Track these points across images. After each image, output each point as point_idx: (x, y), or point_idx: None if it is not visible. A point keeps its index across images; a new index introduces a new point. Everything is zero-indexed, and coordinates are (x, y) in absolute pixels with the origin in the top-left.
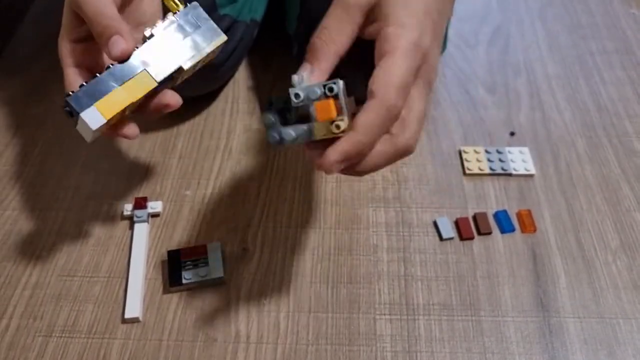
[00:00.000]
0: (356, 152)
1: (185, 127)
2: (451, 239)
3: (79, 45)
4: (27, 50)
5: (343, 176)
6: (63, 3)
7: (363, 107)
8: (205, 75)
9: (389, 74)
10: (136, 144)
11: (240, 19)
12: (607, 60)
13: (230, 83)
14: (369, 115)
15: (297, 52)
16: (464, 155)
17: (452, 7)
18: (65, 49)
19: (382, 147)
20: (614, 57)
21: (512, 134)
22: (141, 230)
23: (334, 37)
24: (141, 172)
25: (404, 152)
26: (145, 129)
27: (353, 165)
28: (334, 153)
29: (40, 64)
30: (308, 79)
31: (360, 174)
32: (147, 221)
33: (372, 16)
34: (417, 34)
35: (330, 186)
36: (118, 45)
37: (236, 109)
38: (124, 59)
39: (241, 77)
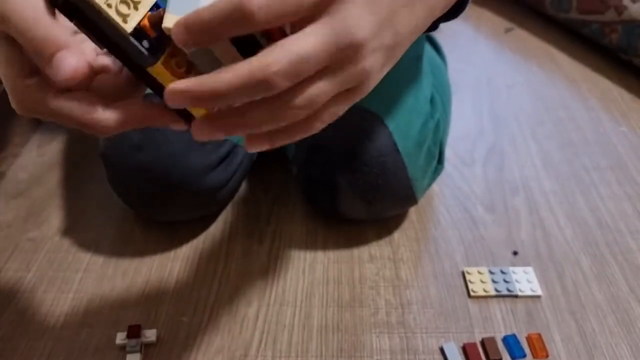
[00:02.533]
0: (203, 97)
1: (183, 251)
2: None
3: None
4: (28, 174)
5: (344, 302)
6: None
7: (243, 59)
8: (204, 199)
9: (293, 44)
10: (132, 268)
11: (241, 144)
12: (602, 177)
13: (230, 205)
14: (237, 73)
15: (296, 174)
16: (468, 277)
17: (412, 24)
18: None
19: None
20: (609, 174)
21: (515, 253)
22: None
23: None
24: (136, 297)
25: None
26: (141, 252)
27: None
28: (180, 83)
29: (40, 188)
30: None
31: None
32: (140, 351)
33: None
34: (354, 20)
35: (332, 311)
36: (65, 62)
37: (235, 231)
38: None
39: (240, 199)
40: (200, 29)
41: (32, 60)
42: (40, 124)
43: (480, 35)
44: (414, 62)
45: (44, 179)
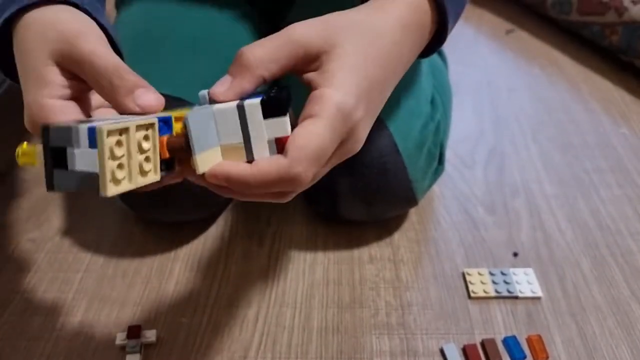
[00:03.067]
0: (238, 189)
1: (183, 252)
2: None
3: (69, 103)
4: (30, 175)
5: (344, 304)
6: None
7: (271, 156)
8: (204, 200)
9: (308, 140)
10: (132, 269)
11: None
12: (603, 179)
13: (230, 206)
14: (270, 170)
15: None
16: (468, 278)
17: (396, 83)
18: (49, 106)
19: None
20: (609, 176)
21: (515, 254)
22: None
23: (266, 62)
24: (136, 298)
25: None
26: (141, 253)
27: (229, 190)
28: (221, 169)
29: (41, 189)
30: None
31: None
32: (140, 352)
33: (314, 64)
34: (351, 105)
35: (332, 312)
36: (146, 96)
37: (235, 233)
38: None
39: (240, 201)
40: (241, 187)
41: (71, 87)
42: None
43: (481, 36)
44: (415, 64)
45: (44, 180)
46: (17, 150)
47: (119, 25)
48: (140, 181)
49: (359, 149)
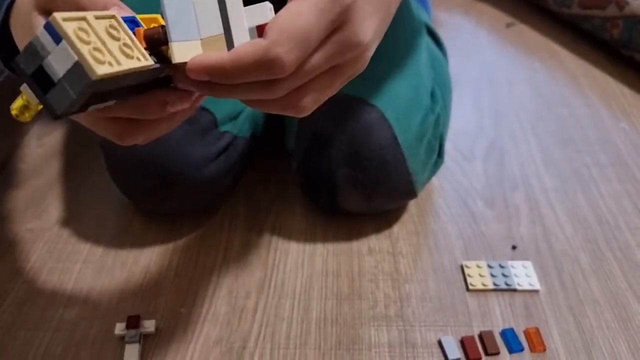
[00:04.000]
0: (217, 78)
1: (182, 242)
2: None
3: None
4: (28, 165)
5: (343, 295)
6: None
7: (251, 40)
8: (203, 191)
9: (290, 21)
10: (131, 259)
11: (241, 136)
12: (603, 174)
13: (229, 198)
14: (247, 53)
15: (296, 169)
16: (466, 271)
17: None
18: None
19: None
20: (609, 170)
21: (513, 247)
22: (132, 353)
23: None
24: (135, 288)
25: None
26: (140, 244)
27: (212, 85)
28: (199, 59)
29: (39, 179)
30: None
31: (219, 95)
32: (139, 341)
33: None
34: None
35: (330, 304)
36: (120, 11)
37: (235, 224)
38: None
39: (240, 192)
40: (221, 76)
41: None
42: (40, 114)
43: (482, 29)
44: (415, 56)
45: (43, 170)
46: (12, 112)
47: None
48: (131, 64)
49: (365, 51)
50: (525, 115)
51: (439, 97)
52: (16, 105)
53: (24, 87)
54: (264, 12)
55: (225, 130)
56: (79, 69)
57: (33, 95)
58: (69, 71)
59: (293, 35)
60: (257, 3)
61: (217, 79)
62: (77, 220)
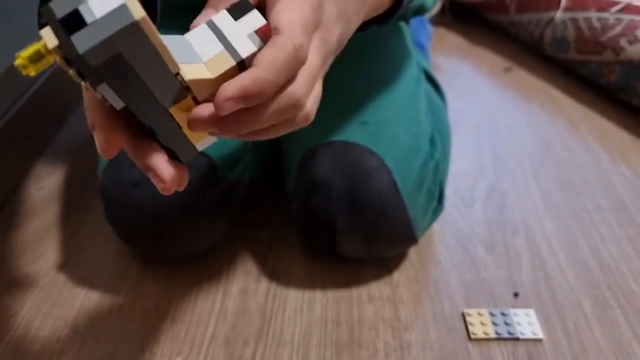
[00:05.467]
0: (257, 90)
1: (179, 288)
2: None
3: None
4: (26, 207)
5: (342, 344)
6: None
7: (267, 43)
8: (202, 235)
9: (294, 11)
10: (127, 305)
11: (240, 181)
12: (603, 218)
13: (227, 242)
14: (274, 51)
15: (295, 212)
16: (468, 319)
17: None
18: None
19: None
20: (610, 215)
21: (515, 294)
22: None
23: None
24: (131, 335)
25: (291, 106)
26: (137, 289)
27: (243, 116)
28: (233, 85)
29: (37, 222)
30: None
31: (243, 129)
32: None
33: None
34: None
35: (330, 353)
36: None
37: (233, 269)
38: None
39: (238, 236)
40: (262, 87)
41: None
42: (40, 156)
43: (480, 74)
44: (414, 102)
45: (41, 213)
46: (16, 61)
47: None
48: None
49: (335, 44)
50: (525, 159)
51: (438, 143)
52: (26, 53)
53: (45, 31)
54: (256, 17)
55: (223, 175)
56: (123, 10)
57: (54, 38)
58: (110, 13)
59: (302, 23)
60: (236, 5)
61: (256, 92)
62: (73, 264)
